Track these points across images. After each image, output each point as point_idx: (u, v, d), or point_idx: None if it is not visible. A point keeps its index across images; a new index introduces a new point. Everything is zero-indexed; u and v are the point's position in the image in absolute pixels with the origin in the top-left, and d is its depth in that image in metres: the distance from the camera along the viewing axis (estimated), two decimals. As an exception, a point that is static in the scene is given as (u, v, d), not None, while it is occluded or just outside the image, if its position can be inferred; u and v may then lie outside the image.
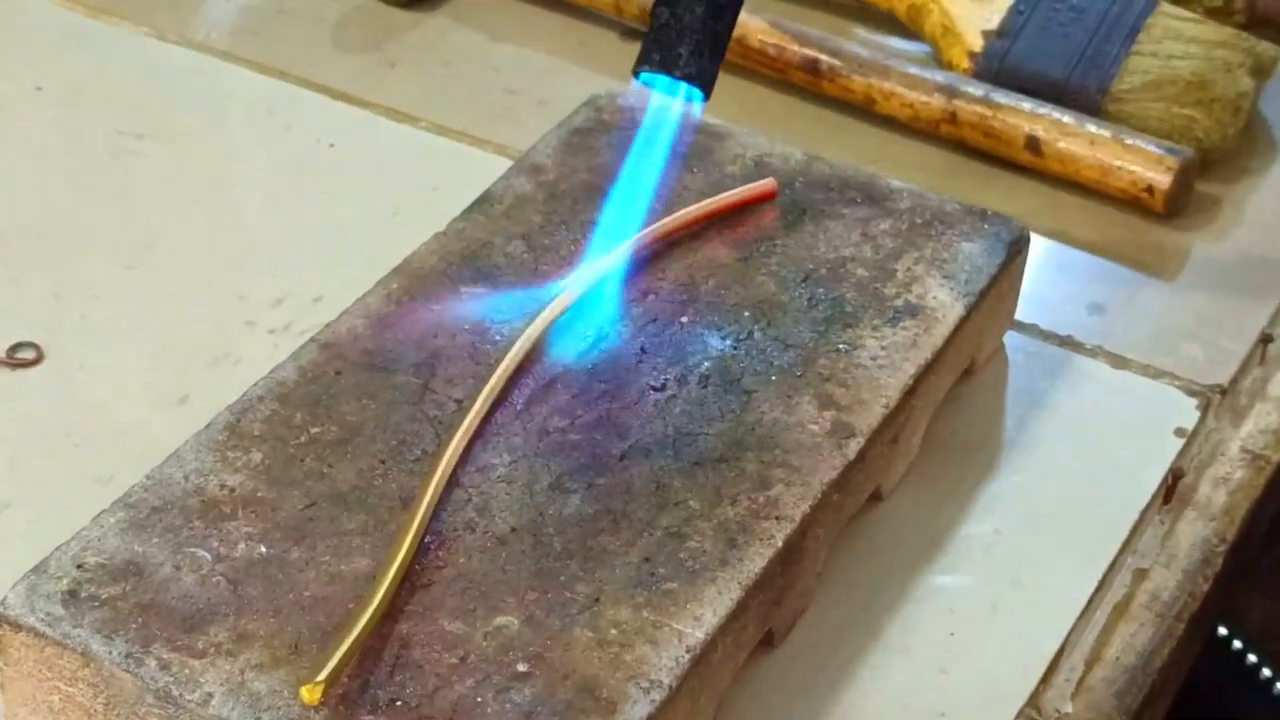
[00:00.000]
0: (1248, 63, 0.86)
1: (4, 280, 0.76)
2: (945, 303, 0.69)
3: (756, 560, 0.59)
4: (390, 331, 0.66)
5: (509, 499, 0.60)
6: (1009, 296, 0.74)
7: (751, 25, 0.89)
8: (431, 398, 0.64)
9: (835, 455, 0.63)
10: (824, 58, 0.88)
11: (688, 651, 0.56)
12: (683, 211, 0.71)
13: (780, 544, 0.60)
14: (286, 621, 0.56)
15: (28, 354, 0.72)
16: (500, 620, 0.57)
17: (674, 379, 0.65)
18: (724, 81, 0.89)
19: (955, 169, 0.86)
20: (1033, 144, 0.84)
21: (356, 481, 0.61)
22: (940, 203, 0.73)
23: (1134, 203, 0.84)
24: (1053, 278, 0.80)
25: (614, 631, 0.56)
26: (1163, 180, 0.82)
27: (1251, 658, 0.89)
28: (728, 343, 0.67)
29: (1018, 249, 0.73)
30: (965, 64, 0.88)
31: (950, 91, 0.86)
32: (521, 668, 0.55)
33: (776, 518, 0.61)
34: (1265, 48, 0.87)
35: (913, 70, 0.87)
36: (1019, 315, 0.76)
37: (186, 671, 0.54)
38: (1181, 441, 0.72)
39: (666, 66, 0.66)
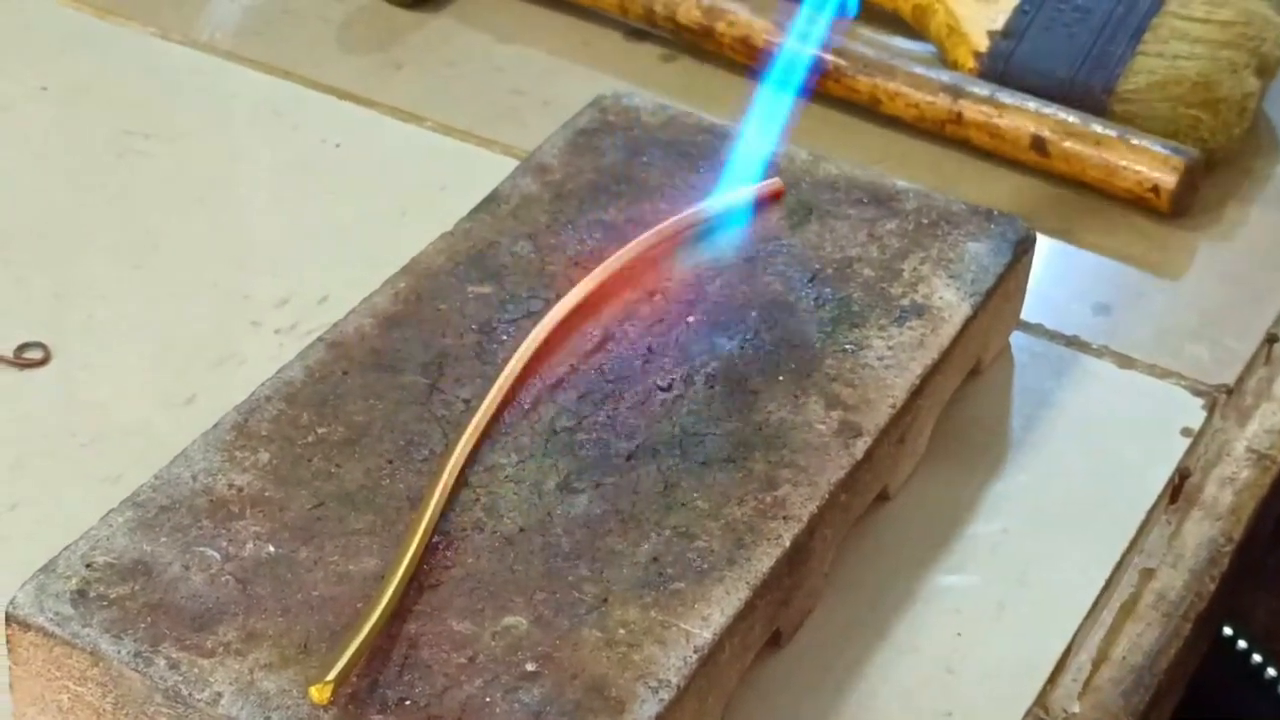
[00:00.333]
0: (1253, 63, 0.86)
1: (10, 280, 0.76)
2: (952, 303, 0.69)
3: (764, 560, 0.59)
4: (398, 331, 0.66)
5: (517, 499, 0.60)
6: (1015, 296, 0.74)
7: (757, 25, 0.89)
8: (439, 397, 0.64)
9: (842, 455, 0.63)
10: (829, 57, 0.88)
11: (696, 651, 0.56)
12: (690, 211, 0.71)
13: (788, 544, 0.60)
14: (295, 621, 0.56)
15: (35, 354, 0.72)
16: (509, 620, 0.57)
17: (681, 379, 0.65)
18: (728, 80, 0.90)
19: (960, 169, 0.86)
20: (1038, 144, 0.84)
21: (364, 481, 0.61)
22: (946, 203, 0.74)
23: (1139, 203, 0.84)
24: (1058, 278, 0.80)
25: (622, 631, 0.57)
26: (1168, 180, 0.83)
27: (1257, 658, 0.89)
28: (734, 343, 0.67)
29: (1024, 249, 0.73)
30: (970, 64, 0.88)
31: (956, 91, 0.86)
32: (530, 667, 0.55)
33: (784, 517, 0.61)
34: (1271, 48, 0.87)
35: (918, 70, 0.87)
36: (1025, 315, 0.76)
37: (195, 671, 0.54)
38: (1188, 441, 0.72)
39: None
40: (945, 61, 0.90)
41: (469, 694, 0.54)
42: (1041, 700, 0.63)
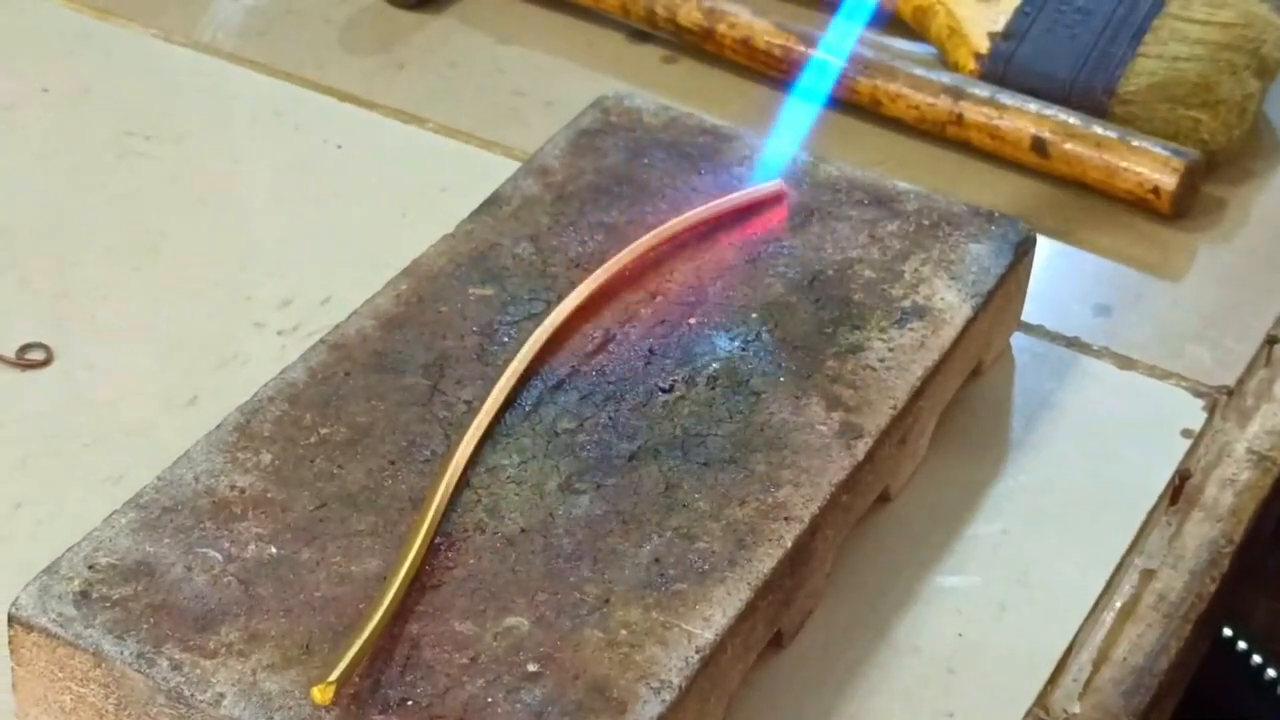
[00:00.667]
0: (1253, 65, 0.86)
1: (13, 281, 0.76)
2: (953, 304, 0.69)
3: (766, 561, 0.59)
4: (399, 333, 0.66)
5: (519, 500, 0.61)
6: (1016, 298, 0.74)
7: (758, 26, 0.89)
8: (441, 399, 0.64)
9: (844, 456, 0.63)
10: (830, 59, 0.88)
11: (697, 652, 0.57)
12: (691, 213, 0.72)
13: (789, 545, 0.60)
14: (297, 622, 0.56)
15: (37, 355, 0.72)
16: (510, 621, 0.57)
17: (682, 380, 0.66)
18: (730, 82, 0.91)
19: (961, 170, 0.86)
20: (1039, 145, 0.85)
21: (366, 482, 0.61)
22: (947, 204, 0.74)
23: (1140, 204, 0.84)
24: (1059, 279, 0.80)
25: (624, 632, 0.57)
26: (1169, 182, 0.83)
27: (1257, 659, 0.89)
28: (736, 344, 0.67)
29: (1024, 250, 0.73)
30: (971, 65, 0.88)
31: (956, 93, 0.86)
32: (532, 668, 0.55)
33: (785, 518, 0.61)
34: (1270, 49, 0.87)
35: (919, 72, 0.87)
36: (1026, 316, 0.76)
37: (198, 672, 0.54)
38: (1188, 443, 0.73)
39: None
40: (946, 63, 0.90)
41: (471, 694, 0.55)
42: (1042, 700, 0.63)
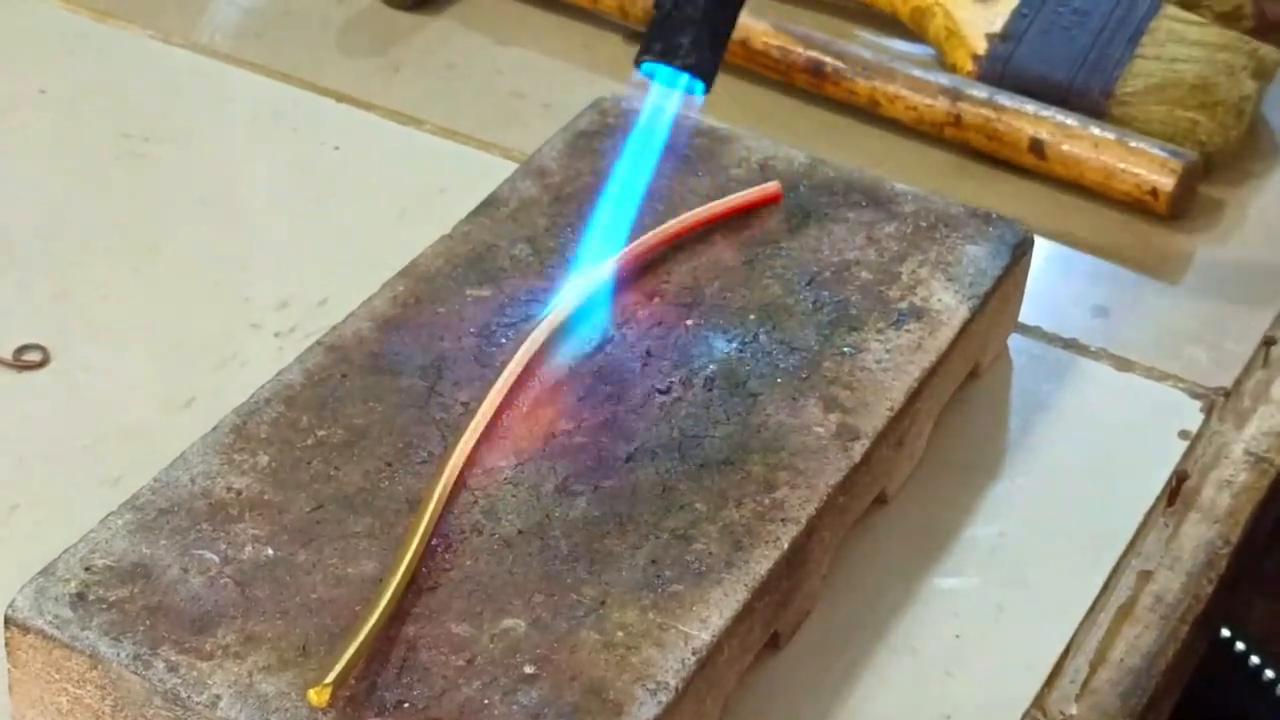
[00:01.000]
0: (1251, 66, 0.86)
1: (10, 282, 0.76)
2: (950, 305, 0.69)
3: (762, 562, 0.59)
4: (396, 334, 0.66)
5: (515, 501, 0.61)
6: (1013, 299, 0.74)
7: (755, 27, 0.89)
8: (438, 400, 0.64)
9: (840, 458, 0.63)
10: (828, 60, 0.88)
11: (694, 653, 0.57)
12: (687, 214, 0.72)
13: (786, 546, 0.60)
14: (294, 624, 0.56)
15: (34, 356, 0.72)
16: (507, 622, 0.57)
17: (679, 382, 0.66)
18: (727, 84, 0.90)
19: (959, 172, 0.86)
20: (1036, 147, 0.85)
21: (363, 484, 0.61)
22: (944, 206, 0.74)
23: (1138, 205, 0.84)
24: (1057, 280, 0.80)
25: (620, 634, 0.57)
26: (1166, 183, 0.83)
27: (1254, 660, 0.89)
28: (733, 346, 0.67)
29: (1022, 252, 0.73)
30: (969, 67, 0.88)
31: (954, 94, 0.86)
32: (528, 670, 0.55)
33: (782, 520, 0.61)
34: (1268, 51, 0.87)
35: (917, 73, 0.87)
36: (1023, 318, 0.76)
37: (194, 673, 0.54)
38: (1185, 444, 0.73)
39: (668, 57, 0.65)
40: (944, 64, 0.90)
41: (467, 696, 0.55)
42: (1039, 702, 0.63)
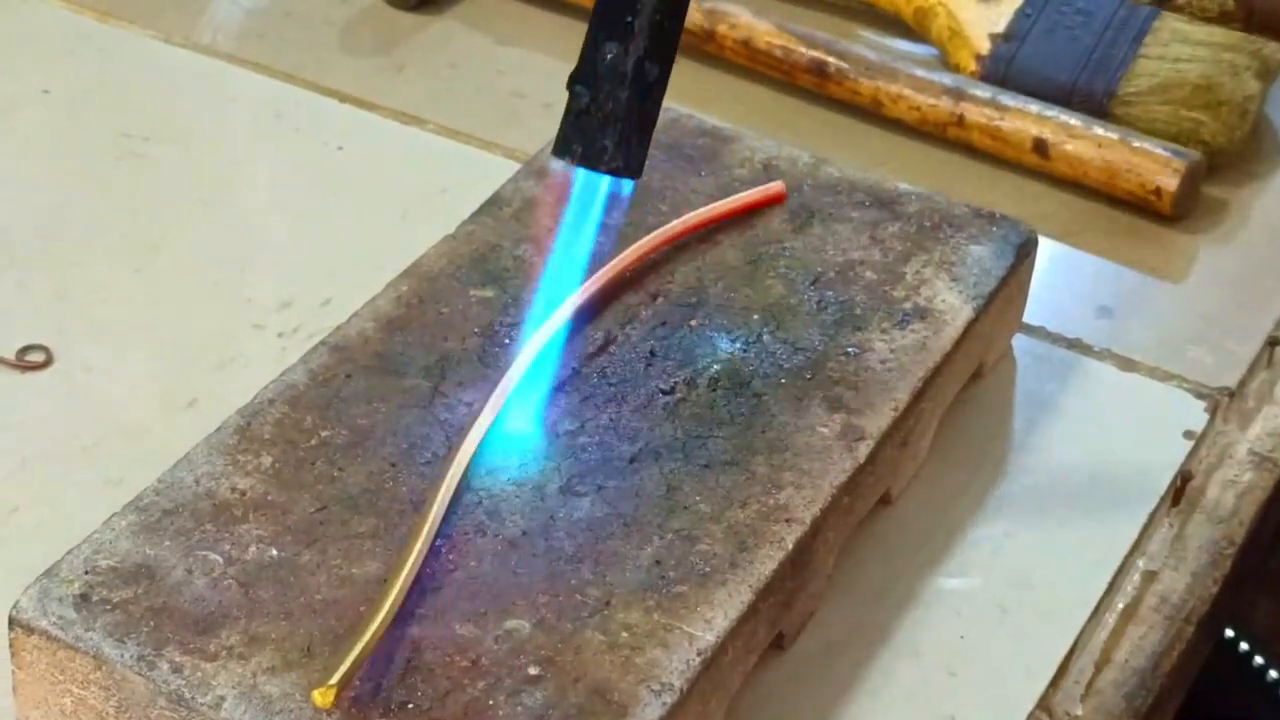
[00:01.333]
0: (1254, 66, 0.86)
1: (12, 283, 0.76)
2: (954, 305, 0.69)
3: (767, 563, 0.59)
4: (400, 334, 0.66)
5: (519, 502, 0.60)
6: (1017, 299, 0.74)
7: (758, 27, 0.89)
8: (441, 401, 0.64)
9: (845, 458, 0.63)
10: (831, 60, 0.88)
11: (699, 654, 0.56)
12: (691, 214, 0.71)
13: (790, 547, 0.60)
14: (298, 625, 0.56)
15: (37, 356, 0.72)
16: (511, 623, 0.57)
17: (683, 382, 0.65)
18: (730, 83, 0.90)
19: (962, 172, 0.86)
20: (1040, 147, 0.84)
21: (367, 485, 0.61)
22: (949, 205, 0.74)
23: (1141, 205, 0.84)
24: (1060, 280, 0.80)
25: (625, 634, 0.57)
26: (1170, 183, 0.83)
27: (1259, 660, 0.89)
28: (737, 346, 0.67)
29: (1026, 252, 0.73)
30: (972, 67, 0.88)
31: (958, 94, 0.86)
32: (533, 671, 0.55)
33: (787, 520, 0.61)
34: (1272, 51, 0.87)
35: (920, 73, 0.87)
36: (1027, 318, 0.76)
37: (199, 674, 0.54)
38: (1190, 444, 0.72)
39: (591, 161, 0.59)
40: (947, 64, 0.90)
41: (472, 697, 0.54)
42: (1044, 703, 0.63)
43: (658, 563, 0.59)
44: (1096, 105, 0.86)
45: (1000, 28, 0.89)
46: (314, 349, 0.66)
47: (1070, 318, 0.78)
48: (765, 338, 0.67)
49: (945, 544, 0.68)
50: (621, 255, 0.69)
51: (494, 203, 0.73)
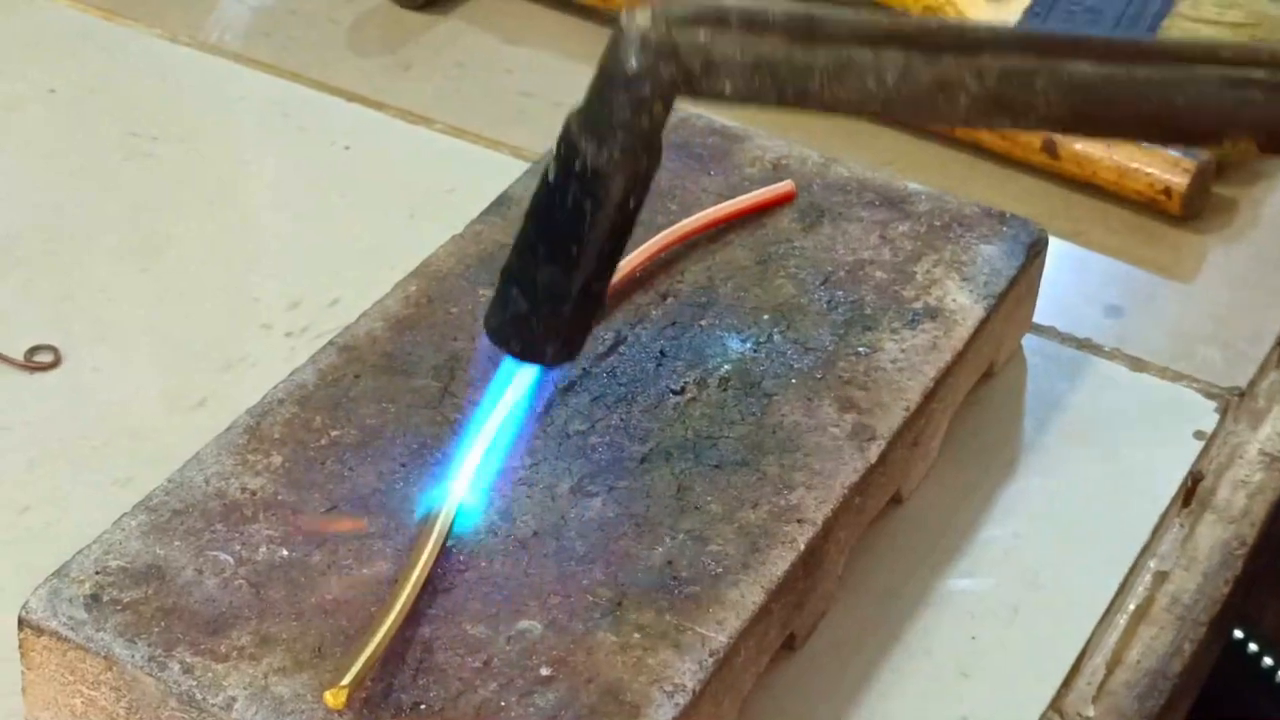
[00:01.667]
0: (1264, 65, 0.86)
1: (19, 283, 0.76)
2: (965, 305, 0.69)
3: (778, 563, 0.59)
4: (409, 334, 0.66)
5: (530, 502, 0.60)
6: (1028, 299, 0.74)
7: (766, 27, 0.89)
8: (451, 401, 0.64)
9: (856, 458, 0.63)
10: (839, 60, 0.88)
11: (711, 655, 0.56)
12: (701, 214, 0.71)
13: (802, 547, 0.60)
14: (309, 625, 0.56)
15: (45, 357, 0.72)
16: (523, 624, 0.56)
17: (694, 382, 0.65)
18: (738, 83, 0.90)
19: (971, 171, 0.86)
20: (1049, 146, 0.84)
21: (377, 484, 0.60)
22: (959, 205, 0.73)
23: (1151, 205, 0.83)
24: (1070, 280, 0.80)
25: (637, 635, 0.56)
26: (1180, 182, 0.82)
27: (1268, 660, 0.89)
28: (747, 345, 0.67)
29: (1036, 251, 0.72)
30: (980, 66, 0.88)
31: (966, 93, 0.86)
32: (544, 671, 0.55)
33: (798, 520, 0.60)
34: (1281, 50, 0.87)
35: (928, 72, 0.87)
36: (1037, 318, 0.76)
37: (209, 675, 0.54)
38: (1200, 444, 0.72)
39: (530, 359, 0.56)
40: (955, 63, 0.89)
41: (484, 698, 0.54)
42: (1056, 704, 0.63)
43: (669, 563, 0.59)
44: (1105, 104, 0.86)
45: (1008, 27, 0.88)
46: (323, 349, 0.65)
47: (1080, 318, 0.78)
48: (776, 337, 0.67)
49: (956, 544, 0.67)
50: (631, 255, 0.69)
51: (502, 202, 0.72)
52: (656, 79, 0.47)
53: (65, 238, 0.78)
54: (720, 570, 0.59)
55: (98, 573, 0.57)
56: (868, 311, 0.68)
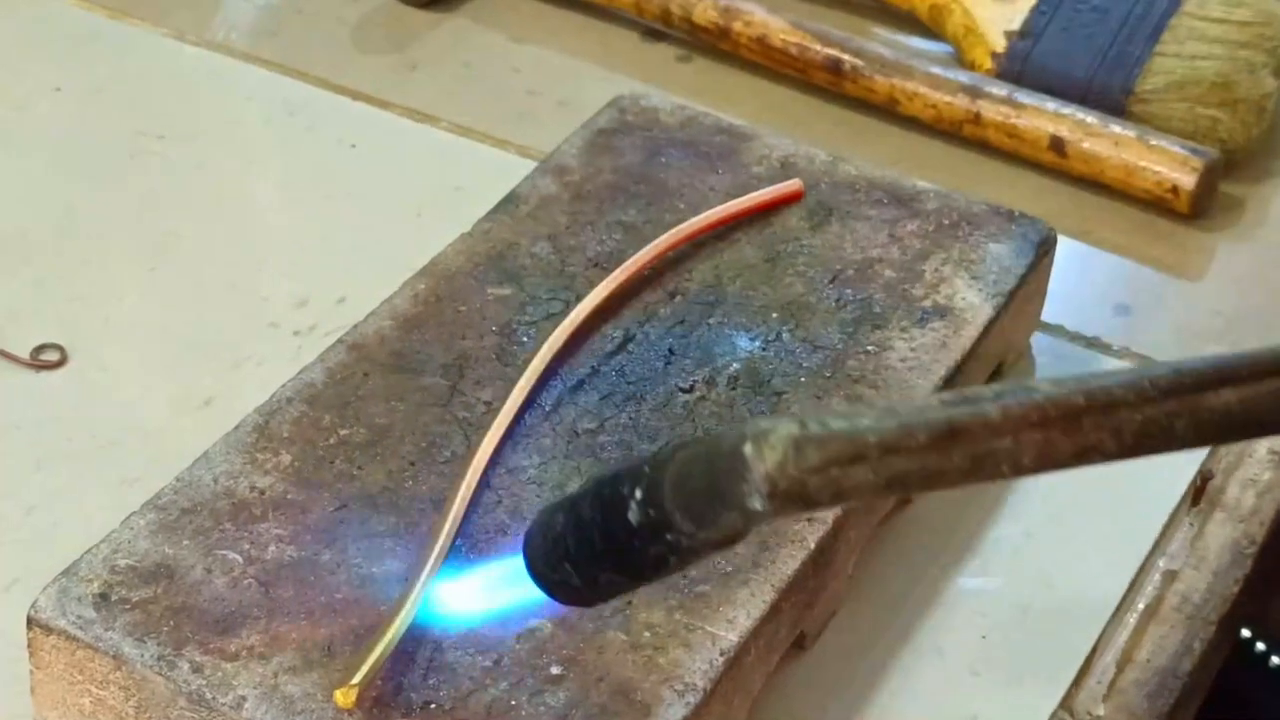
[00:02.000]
0: (1271, 63, 0.86)
1: (26, 281, 0.76)
2: (974, 304, 0.69)
3: (789, 562, 0.59)
4: (418, 333, 0.66)
5: (540, 501, 0.60)
6: (1036, 297, 0.73)
7: (773, 25, 0.89)
8: (460, 399, 0.64)
9: (866, 457, 0.63)
10: (846, 58, 0.88)
11: (721, 654, 0.56)
12: (709, 212, 0.71)
13: (812, 546, 0.60)
14: (319, 624, 0.56)
15: (52, 356, 0.72)
16: (533, 622, 0.56)
17: (702, 380, 0.65)
18: (745, 81, 0.90)
19: (978, 169, 0.86)
20: (1057, 144, 0.84)
21: (386, 483, 0.60)
22: (967, 203, 0.73)
23: (1159, 203, 0.83)
24: (1078, 279, 0.80)
25: (647, 634, 0.56)
26: (1187, 181, 0.82)
27: (1276, 660, 0.88)
28: (756, 344, 0.67)
29: (1045, 250, 0.72)
30: (988, 64, 0.88)
31: (974, 92, 0.86)
32: (555, 670, 0.55)
33: (808, 519, 0.60)
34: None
35: (936, 70, 0.87)
36: (1045, 316, 0.75)
37: (219, 674, 0.54)
38: (1210, 443, 0.72)
39: (565, 602, 0.50)
40: (962, 62, 0.89)
41: (494, 697, 0.54)
42: (1066, 703, 0.63)
43: (679, 562, 0.58)
44: (1113, 103, 0.86)
45: (1015, 25, 0.88)
46: (331, 347, 0.65)
47: (1088, 316, 0.78)
48: (784, 336, 0.67)
49: (966, 543, 0.67)
50: (639, 253, 0.69)
51: (510, 200, 0.72)
52: (777, 514, 0.44)
53: (72, 236, 0.78)
54: (730, 569, 0.58)
55: (106, 571, 0.57)
56: (876, 310, 0.68)
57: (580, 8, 0.94)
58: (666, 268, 0.70)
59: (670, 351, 0.66)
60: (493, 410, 0.62)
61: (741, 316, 0.68)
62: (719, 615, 0.57)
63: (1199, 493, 0.70)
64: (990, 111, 0.85)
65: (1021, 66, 0.87)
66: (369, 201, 0.81)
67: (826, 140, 0.78)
